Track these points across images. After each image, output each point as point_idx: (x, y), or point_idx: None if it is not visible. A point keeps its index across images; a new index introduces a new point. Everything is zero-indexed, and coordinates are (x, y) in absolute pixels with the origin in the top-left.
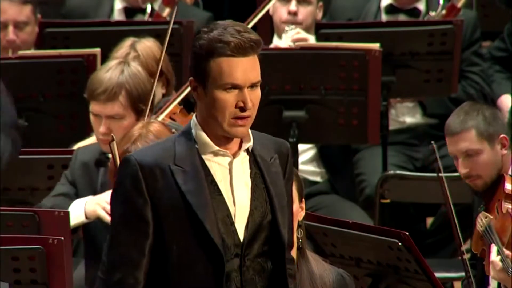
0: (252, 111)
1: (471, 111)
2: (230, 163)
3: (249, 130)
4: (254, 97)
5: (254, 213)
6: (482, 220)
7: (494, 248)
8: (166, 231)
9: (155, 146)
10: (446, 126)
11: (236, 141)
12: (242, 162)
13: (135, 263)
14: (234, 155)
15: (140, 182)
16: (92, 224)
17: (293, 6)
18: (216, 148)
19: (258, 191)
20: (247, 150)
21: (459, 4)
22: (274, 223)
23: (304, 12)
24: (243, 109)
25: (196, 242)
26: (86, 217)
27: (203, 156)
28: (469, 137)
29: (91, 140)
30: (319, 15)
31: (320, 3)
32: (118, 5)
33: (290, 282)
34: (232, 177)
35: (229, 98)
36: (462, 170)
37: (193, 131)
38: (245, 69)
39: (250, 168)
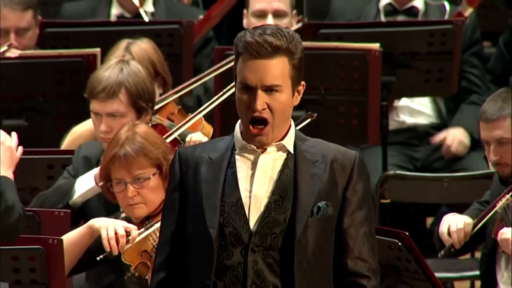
0: (268, 115)
1: (508, 98)
2: (256, 158)
3: (295, 133)
4: (272, 101)
5: (272, 207)
6: (502, 201)
7: (507, 229)
8: (187, 219)
9: (209, 141)
10: (482, 111)
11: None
12: (275, 159)
13: (164, 252)
14: (264, 152)
15: (176, 173)
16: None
17: (269, 20)
18: (243, 142)
19: (284, 188)
20: (288, 151)
21: (467, 13)
22: (292, 219)
23: (281, 25)
24: (252, 111)
25: (198, 230)
26: (97, 183)
27: (236, 151)
28: (504, 125)
29: (89, 123)
30: (294, 25)
31: (294, 12)
32: (114, 11)
33: None
34: (256, 171)
35: (243, 98)
36: (493, 157)
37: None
38: (258, 70)
39: (284, 165)
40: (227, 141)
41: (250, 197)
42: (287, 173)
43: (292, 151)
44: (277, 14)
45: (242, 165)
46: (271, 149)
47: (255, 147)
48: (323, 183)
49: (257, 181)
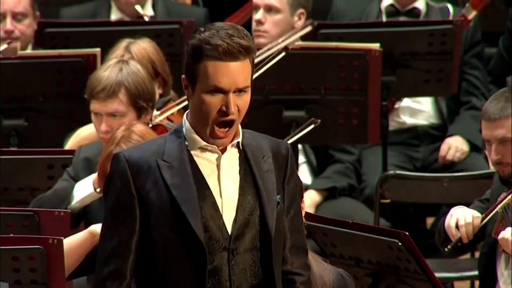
0: (236, 116)
1: (510, 97)
2: (218, 159)
3: (240, 128)
4: (240, 102)
5: (242, 208)
6: (503, 201)
7: (508, 229)
8: (153, 226)
9: (146, 143)
10: (485, 110)
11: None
12: (232, 158)
13: (122, 258)
14: (223, 151)
15: (128, 178)
16: (94, 221)
17: (258, 14)
18: (203, 143)
19: (247, 186)
20: (238, 147)
21: (470, 16)
22: (263, 218)
23: (271, 21)
24: (225, 114)
25: (180, 236)
26: (95, 189)
27: (192, 152)
28: (506, 125)
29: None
30: (298, 23)
31: (300, 10)
32: (114, 16)
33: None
34: (220, 172)
35: (213, 101)
36: (494, 156)
37: (183, 128)
38: (232, 73)
39: (240, 164)
40: (174, 141)
41: (222, 200)
42: (246, 173)
43: (241, 146)
44: (269, 9)
45: (204, 169)
46: (229, 147)
47: (215, 147)
48: (274, 178)
49: (224, 183)
